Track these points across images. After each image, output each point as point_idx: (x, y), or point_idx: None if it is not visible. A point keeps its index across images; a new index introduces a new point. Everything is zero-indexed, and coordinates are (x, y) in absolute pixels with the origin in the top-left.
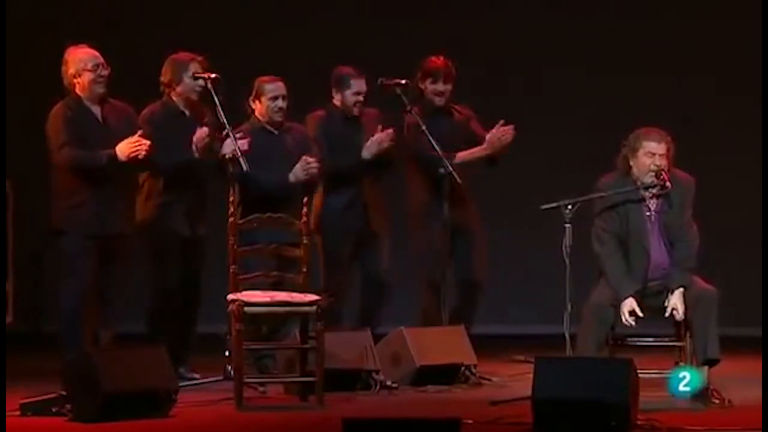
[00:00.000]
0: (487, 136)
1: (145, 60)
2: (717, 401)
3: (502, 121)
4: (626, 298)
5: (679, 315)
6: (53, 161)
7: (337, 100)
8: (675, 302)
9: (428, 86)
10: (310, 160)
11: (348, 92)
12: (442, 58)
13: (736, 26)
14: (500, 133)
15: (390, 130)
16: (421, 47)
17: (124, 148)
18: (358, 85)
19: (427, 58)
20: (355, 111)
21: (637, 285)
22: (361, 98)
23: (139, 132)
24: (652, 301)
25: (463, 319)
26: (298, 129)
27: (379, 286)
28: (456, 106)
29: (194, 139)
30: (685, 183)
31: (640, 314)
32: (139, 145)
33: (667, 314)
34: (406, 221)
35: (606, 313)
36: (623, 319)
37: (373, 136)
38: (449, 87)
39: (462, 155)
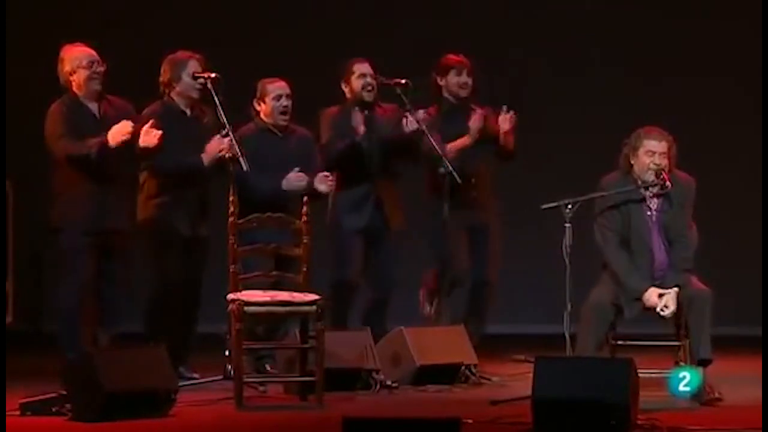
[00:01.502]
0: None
1: (144, 59)
2: (710, 395)
3: (505, 108)
4: (645, 290)
5: (667, 313)
6: (52, 155)
7: (348, 92)
8: (666, 300)
9: (452, 79)
10: (300, 175)
11: (353, 78)
12: (460, 54)
13: (736, 26)
14: (473, 122)
15: (426, 112)
16: (422, 47)
17: (114, 134)
18: (361, 68)
19: (445, 55)
20: (366, 96)
21: (648, 280)
22: (368, 80)
23: (125, 120)
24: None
25: (472, 322)
26: (302, 132)
27: (387, 286)
28: (475, 107)
29: (214, 147)
30: (686, 183)
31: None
32: (127, 129)
33: (658, 308)
34: (417, 220)
35: (605, 312)
36: (658, 308)
37: (394, 126)
38: (471, 80)
39: (450, 146)
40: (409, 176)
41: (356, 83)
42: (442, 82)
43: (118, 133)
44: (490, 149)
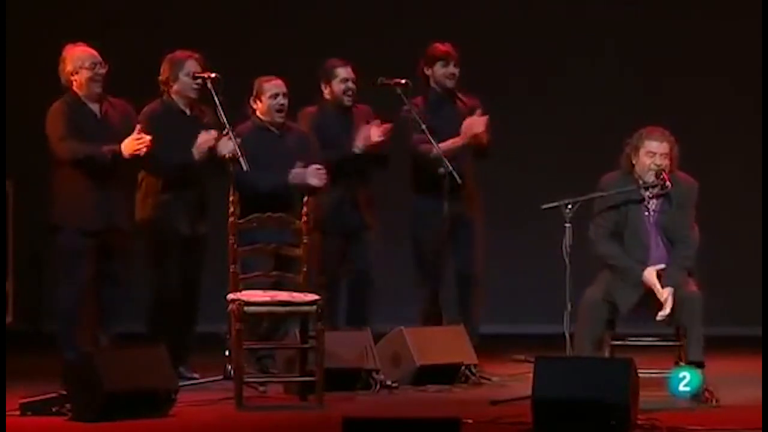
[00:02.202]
0: (462, 127)
1: (144, 59)
2: (707, 401)
3: (478, 111)
4: (643, 270)
5: (663, 314)
6: (54, 155)
7: (327, 94)
8: (667, 297)
9: (438, 70)
10: (321, 168)
11: (335, 81)
12: (447, 43)
13: (736, 26)
14: (470, 122)
15: (386, 125)
16: (422, 47)
17: (128, 145)
18: (344, 72)
19: (432, 44)
20: (346, 101)
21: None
22: (350, 85)
23: (138, 127)
24: (648, 300)
25: (462, 315)
26: (298, 129)
27: (366, 284)
28: (461, 96)
29: (199, 141)
30: (687, 185)
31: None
32: (141, 141)
33: (662, 298)
34: (405, 217)
35: (599, 309)
36: (656, 290)
37: (362, 130)
38: (458, 70)
39: (441, 146)
40: (403, 177)
41: (338, 87)
42: (428, 72)
43: (132, 146)
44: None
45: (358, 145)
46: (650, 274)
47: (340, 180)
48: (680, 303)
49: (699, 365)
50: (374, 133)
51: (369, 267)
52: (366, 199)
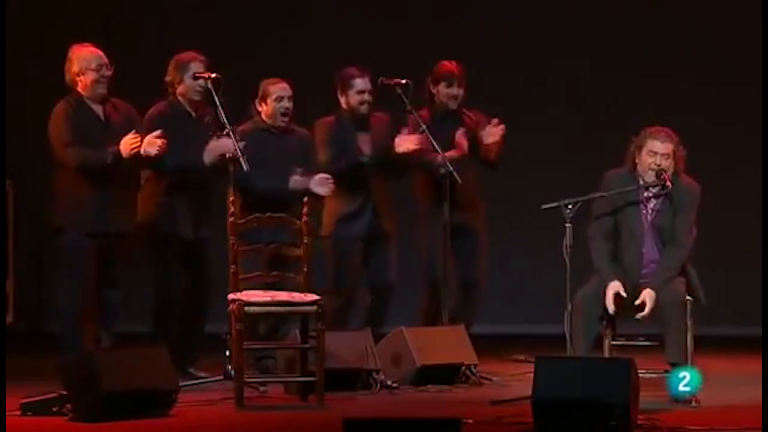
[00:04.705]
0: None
1: (145, 60)
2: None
3: (495, 120)
4: (611, 282)
5: (642, 314)
6: (57, 159)
7: (343, 103)
8: (643, 297)
9: (442, 89)
10: (328, 177)
11: (351, 92)
12: (454, 62)
13: (736, 26)
14: (486, 132)
15: (418, 136)
16: (423, 47)
17: (125, 144)
18: (361, 84)
19: (439, 63)
20: (363, 109)
21: (621, 275)
22: (366, 97)
23: (134, 131)
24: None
25: (463, 319)
26: (301, 132)
27: (386, 289)
28: (467, 112)
29: (213, 147)
30: (689, 188)
31: (624, 294)
32: (137, 141)
33: (638, 302)
34: (408, 221)
35: (591, 305)
36: (606, 304)
37: (380, 139)
38: (462, 91)
39: (446, 155)
40: (404, 179)
41: (354, 98)
42: (434, 90)
43: (129, 145)
44: (476, 153)
45: (399, 150)
46: (610, 289)
47: (360, 188)
48: (661, 305)
49: (676, 366)
50: (408, 141)
51: (390, 277)
52: (385, 206)
